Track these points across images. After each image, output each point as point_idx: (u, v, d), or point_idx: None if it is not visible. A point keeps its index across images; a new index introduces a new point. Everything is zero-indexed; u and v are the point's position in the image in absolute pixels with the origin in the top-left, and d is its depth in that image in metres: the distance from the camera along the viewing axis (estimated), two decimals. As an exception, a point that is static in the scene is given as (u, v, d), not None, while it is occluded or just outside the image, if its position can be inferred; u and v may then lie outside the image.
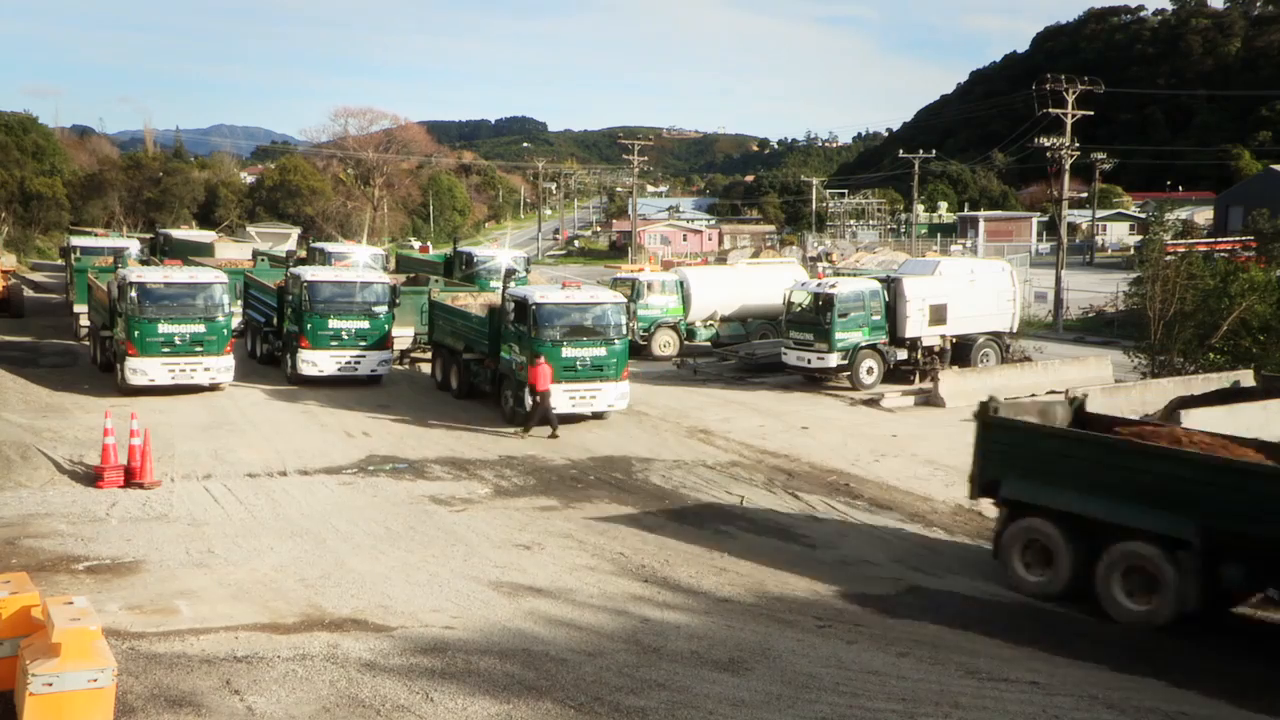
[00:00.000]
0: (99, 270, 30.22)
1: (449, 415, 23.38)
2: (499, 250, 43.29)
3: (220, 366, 24.11)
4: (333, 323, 25.78)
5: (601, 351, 21.85)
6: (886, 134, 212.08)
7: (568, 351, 21.49)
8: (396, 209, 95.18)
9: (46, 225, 71.37)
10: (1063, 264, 43.91)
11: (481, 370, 23.89)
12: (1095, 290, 46.36)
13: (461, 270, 40.52)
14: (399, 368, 28.78)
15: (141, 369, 23.38)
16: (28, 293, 40.67)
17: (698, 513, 16.32)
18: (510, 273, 40.28)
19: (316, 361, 25.74)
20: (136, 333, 23.36)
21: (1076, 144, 44.53)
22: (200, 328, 23.85)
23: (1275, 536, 10.81)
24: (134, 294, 23.48)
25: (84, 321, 30.68)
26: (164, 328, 23.51)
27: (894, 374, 28.09)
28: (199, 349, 23.78)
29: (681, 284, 34.24)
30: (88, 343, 29.67)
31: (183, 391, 23.81)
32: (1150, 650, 11.30)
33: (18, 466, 17.07)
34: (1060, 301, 42.65)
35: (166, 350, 23.51)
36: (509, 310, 22.31)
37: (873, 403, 25.86)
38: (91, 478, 16.43)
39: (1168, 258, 29.44)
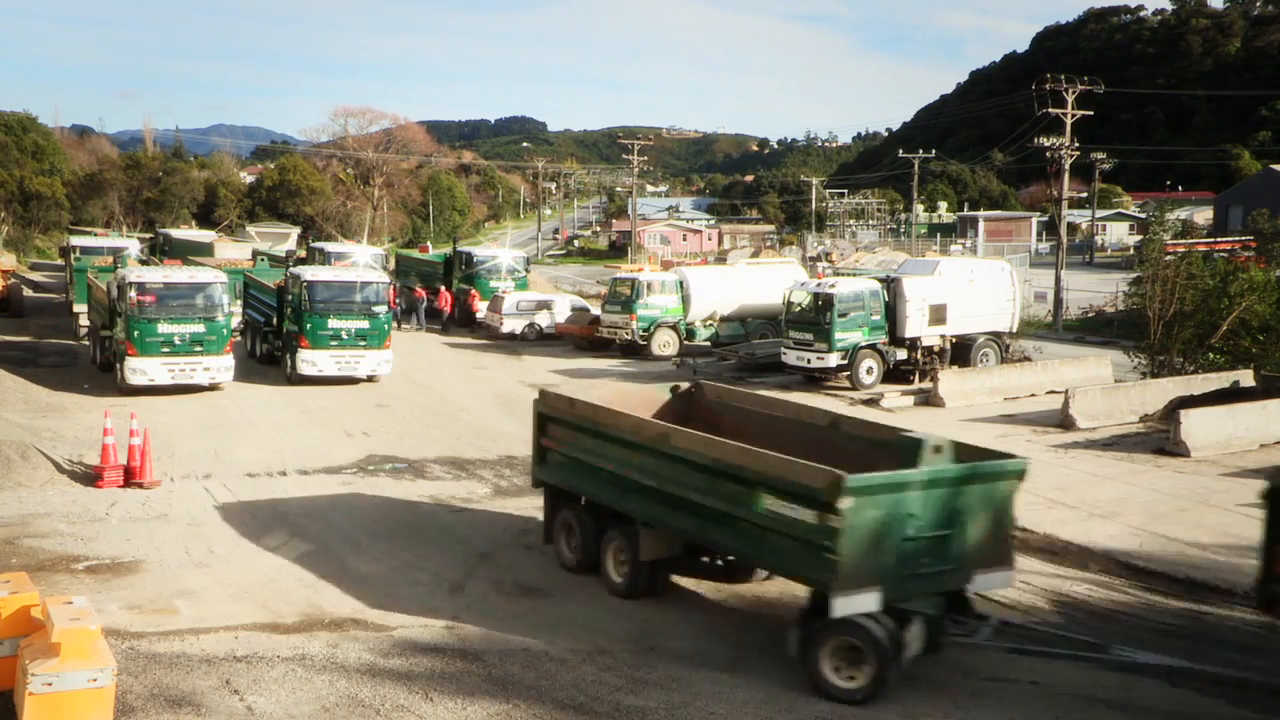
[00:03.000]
0: (99, 270, 30.08)
1: (447, 415, 23.39)
2: (499, 250, 43.28)
3: (220, 366, 23.98)
4: (332, 322, 25.77)
5: None
6: (886, 134, 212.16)
7: None
8: (396, 209, 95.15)
9: (46, 225, 71.37)
10: (1062, 264, 43.88)
11: None
12: (1095, 290, 46.36)
13: (461, 270, 40.52)
14: None
15: (141, 369, 23.26)
16: (27, 292, 40.63)
17: (697, 513, 16.29)
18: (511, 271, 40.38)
19: (316, 361, 25.72)
20: (136, 333, 23.23)
21: (1076, 144, 44.50)
22: (200, 327, 23.71)
23: None
24: (133, 294, 23.39)
25: (83, 321, 30.47)
26: (164, 327, 23.37)
27: (894, 374, 28.06)
28: (199, 349, 23.66)
29: (681, 284, 34.21)
30: (87, 342, 29.46)
31: (183, 391, 23.74)
32: (1150, 650, 11.29)
33: (18, 466, 17.05)
34: (1060, 301, 42.63)
35: (166, 350, 23.38)
36: None
37: (872, 403, 25.84)
38: (91, 478, 16.42)
39: (1167, 258, 29.43)
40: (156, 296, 23.56)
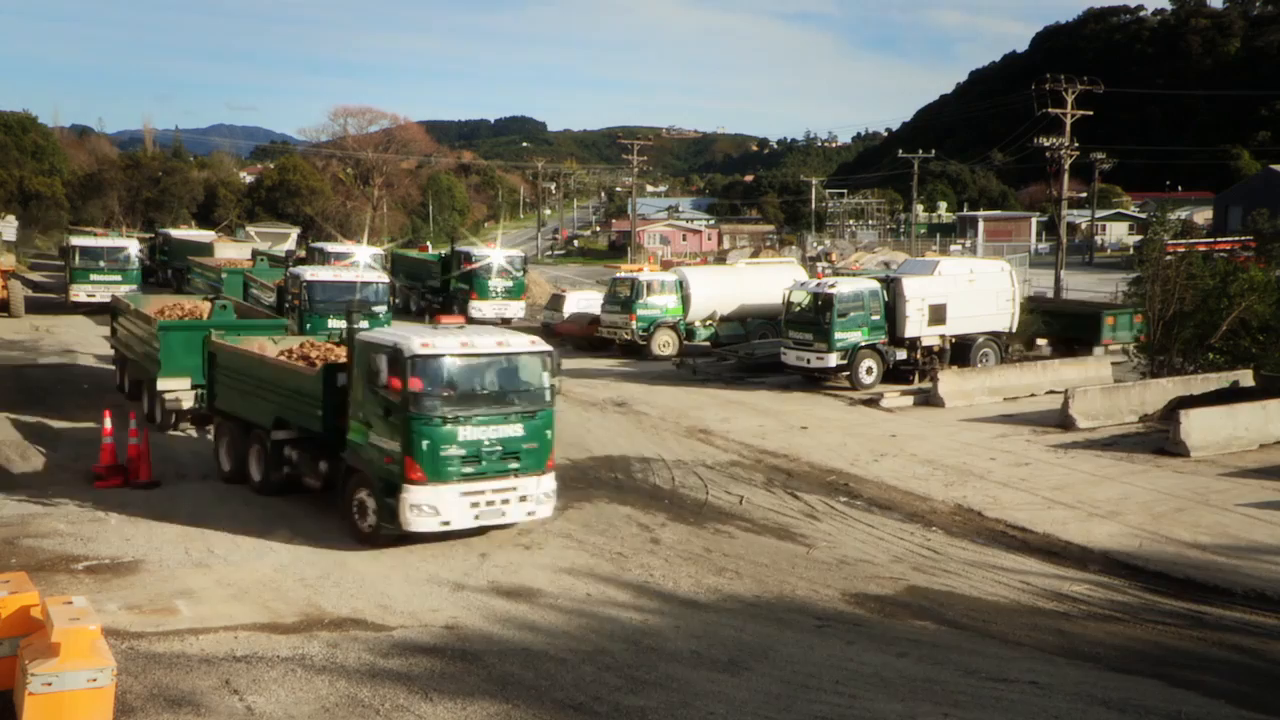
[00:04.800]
0: (235, 327, 19.67)
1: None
2: (493, 250, 43.17)
3: (541, 492, 13.90)
4: (331, 323, 25.73)
5: None
6: (886, 134, 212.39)
7: None
8: (396, 209, 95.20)
9: (46, 225, 71.42)
10: (1062, 264, 43.98)
11: None
12: (1095, 290, 46.34)
13: (459, 269, 40.49)
14: None
15: (432, 505, 13.04)
16: (27, 293, 40.64)
17: (697, 513, 16.32)
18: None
19: (316, 361, 25.55)
20: (425, 443, 12.98)
21: (1076, 144, 44.53)
22: (516, 429, 13.63)
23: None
24: (415, 372, 13.03)
25: (187, 404, 19.22)
26: (467, 432, 13.26)
27: (893, 374, 28.08)
28: (514, 464, 13.60)
29: (681, 284, 34.23)
30: (190, 430, 19.88)
31: (480, 532, 14.21)
32: (1150, 650, 11.31)
33: (18, 466, 17.07)
34: (1060, 301, 42.64)
35: (469, 471, 13.27)
36: None
37: (872, 403, 25.86)
38: (91, 477, 16.42)
39: (1167, 258, 29.43)
40: (452, 377, 13.41)
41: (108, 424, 16.89)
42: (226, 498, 15.77)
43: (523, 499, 13.72)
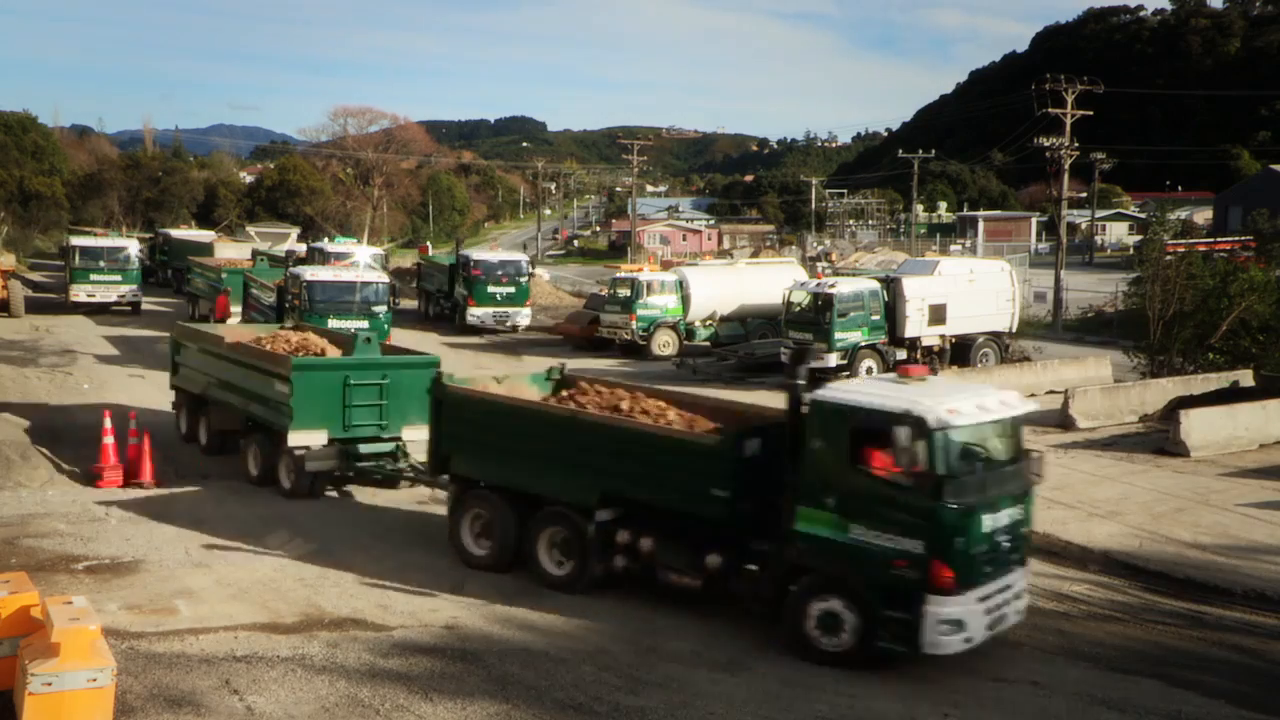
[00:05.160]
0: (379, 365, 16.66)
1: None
2: (494, 252, 42.98)
3: (1023, 586, 11.14)
4: (332, 323, 25.71)
5: None
6: (886, 134, 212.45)
7: None
8: (396, 209, 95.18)
9: (46, 225, 71.44)
10: (1062, 264, 43.91)
11: None
12: (1095, 290, 46.33)
13: (463, 273, 40.29)
14: None
15: (960, 619, 9.81)
16: (27, 293, 40.66)
17: (697, 513, 16.28)
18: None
19: (315, 361, 25.45)
20: (959, 540, 9.80)
21: (1076, 144, 44.49)
22: (1018, 512, 10.73)
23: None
24: (943, 447, 9.72)
25: (329, 462, 16.00)
26: (989, 521, 10.16)
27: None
28: (1014, 556, 10.82)
29: (681, 284, 34.22)
30: (331, 492, 16.47)
31: None
32: (1150, 650, 11.31)
33: (17, 466, 17.06)
34: (1060, 301, 42.64)
35: (988, 570, 10.28)
36: None
37: (872, 403, 25.82)
38: (91, 477, 16.42)
39: (1167, 258, 29.43)
40: (975, 451, 10.40)
41: (108, 424, 16.88)
42: (226, 498, 15.77)
43: (1016, 596, 10.74)
